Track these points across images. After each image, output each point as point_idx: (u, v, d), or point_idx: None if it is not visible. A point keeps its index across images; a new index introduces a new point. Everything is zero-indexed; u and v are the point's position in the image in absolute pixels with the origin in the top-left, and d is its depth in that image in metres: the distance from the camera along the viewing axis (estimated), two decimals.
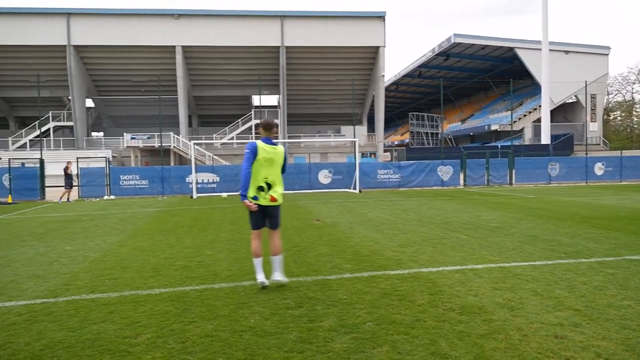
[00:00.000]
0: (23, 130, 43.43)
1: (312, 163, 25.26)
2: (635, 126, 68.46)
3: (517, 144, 47.91)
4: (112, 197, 21.62)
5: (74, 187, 20.98)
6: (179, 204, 17.54)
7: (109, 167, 22.59)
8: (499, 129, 52.94)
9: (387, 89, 68.33)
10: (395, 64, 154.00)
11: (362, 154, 44.34)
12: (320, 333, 3.87)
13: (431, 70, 62.25)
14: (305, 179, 23.48)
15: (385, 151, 50.75)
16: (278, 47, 41.77)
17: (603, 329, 3.84)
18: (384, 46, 42.57)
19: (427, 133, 53.10)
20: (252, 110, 44.59)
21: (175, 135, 39.17)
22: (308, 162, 25.76)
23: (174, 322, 4.24)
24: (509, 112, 52.42)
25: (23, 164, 28.75)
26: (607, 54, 53.48)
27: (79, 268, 6.61)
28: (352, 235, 8.84)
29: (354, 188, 22.32)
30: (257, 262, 5.24)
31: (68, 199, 20.29)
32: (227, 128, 45.18)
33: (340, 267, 6.23)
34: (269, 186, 5.11)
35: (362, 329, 3.95)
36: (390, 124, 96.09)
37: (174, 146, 38.23)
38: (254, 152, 5.02)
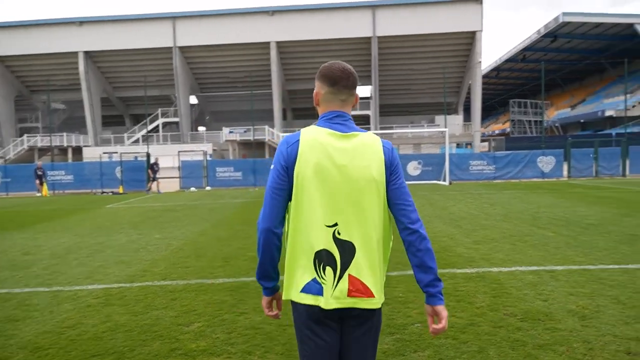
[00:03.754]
0: (136, 127, 47.61)
1: (401, 154, 24.79)
2: None
3: (635, 131, 43.16)
4: (209, 188, 22.94)
5: (161, 179, 22.46)
6: None
7: (206, 160, 24.01)
8: (614, 115, 48.02)
9: (486, 76, 64.91)
10: (495, 50, 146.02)
11: (458, 144, 42.70)
12: None
13: (537, 54, 57.92)
14: None
15: (483, 141, 48.39)
16: (370, 38, 41.40)
17: None
18: (481, 31, 40.40)
19: (529, 121, 49.70)
20: None
21: (270, 129, 40.53)
22: (397, 154, 25.32)
23: (226, 312, 4.37)
24: (628, 96, 47.41)
25: (136, 157, 31.53)
26: None
27: (160, 255, 7.08)
28: (427, 230, 8.51)
29: (444, 180, 21.54)
30: None
31: (149, 189, 22.14)
32: None
33: (405, 264, 6.00)
34: (346, 249, 1.75)
35: (408, 330, 3.79)
36: (491, 112, 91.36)
37: (268, 139, 39.60)
38: (285, 157, 1.79)
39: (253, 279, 5.48)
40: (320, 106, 1.91)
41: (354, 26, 41.14)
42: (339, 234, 1.75)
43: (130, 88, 48.04)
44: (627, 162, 23.50)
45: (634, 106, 47.89)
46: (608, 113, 48.82)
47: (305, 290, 1.77)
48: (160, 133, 46.21)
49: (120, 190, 22.40)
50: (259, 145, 39.36)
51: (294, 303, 1.81)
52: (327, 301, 1.74)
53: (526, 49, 57.09)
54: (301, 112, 52.96)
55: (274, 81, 42.97)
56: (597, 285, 4.83)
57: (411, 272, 5.45)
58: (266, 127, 40.21)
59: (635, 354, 3.23)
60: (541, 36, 52.14)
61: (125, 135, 46.29)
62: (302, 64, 44.96)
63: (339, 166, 1.75)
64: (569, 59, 59.81)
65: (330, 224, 1.75)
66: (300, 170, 1.75)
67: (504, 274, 5.39)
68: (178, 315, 4.34)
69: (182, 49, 43.23)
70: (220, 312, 4.36)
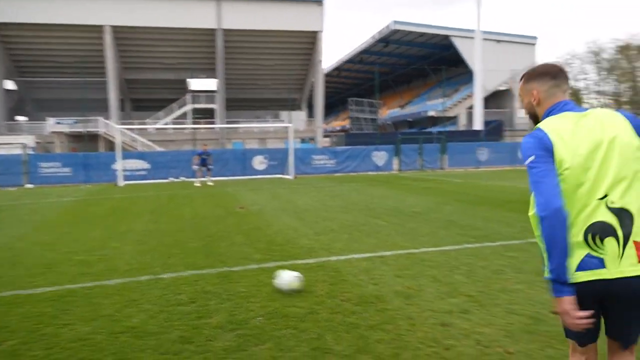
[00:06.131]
0: None
1: (247, 149, 24.83)
2: None
3: (452, 129, 49.40)
4: (31, 185, 20.25)
5: None
6: (102, 192, 16.65)
7: (27, 154, 21.14)
8: (435, 115, 54.31)
9: (328, 75, 68.19)
10: (338, 50, 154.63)
11: (302, 139, 44.19)
12: (205, 331, 3.66)
13: (372, 57, 62.69)
14: (239, 165, 23.02)
15: (325, 136, 50.82)
16: (214, 30, 40.49)
17: (490, 314, 3.87)
18: (322, 31, 42.29)
19: (366, 119, 53.64)
20: (188, 94, 43.18)
21: (105, 120, 37.28)
22: (243, 148, 25.27)
23: (47, 325, 3.88)
24: (445, 99, 53.89)
25: None
26: (534, 44, 55.90)
27: None
28: (273, 224, 8.65)
29: (289, 174, 22.13)
30: None
31: None
32: (161, 112, 43.55)
33: (249, 258, 6.03)
34: (624, 217, 1.79)
35: (250, 324, 3.78)
36: (334, 109, 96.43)
37: (103, 132, 36.40)
38: (541, 145, 1.86)
39: (82, 286, 4.97)
40: (543, 104, 2.00)
41: (198, 16, 39.82)
42: (612, 203, 1.78)
43: None
44: (446, 157, 26.77)
45: (450, 108, 54.73)
46: (430, 113, 55.03)
47: (582, 267, 1.78)
48: None
49: None
50: (92, 138, 35.93)
51: (572, 277, 1.79)
52: (615, 271, 1.75)
53: (363, 51, 61.42)
54: (141, 103, 49.69)
55: (109, 69, 39.54)
56: (420, 267, 5.39)
57: (254, 266, 5.48)
58: (100, 118, 36.84)
59: (448, 325, 3.66)
60: (376, 41, 56.59)
61: None
62: (141, 52, 42.17)
63: (597, 140, 1.82)
64: (398, 63, 66.05)
65: (601, 196, 1.78)
66: (561, 152, 1.82)
67: (342, 262, 5.71)
68: None
69: None
70: (40, 326, 3.85)
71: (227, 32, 40.87)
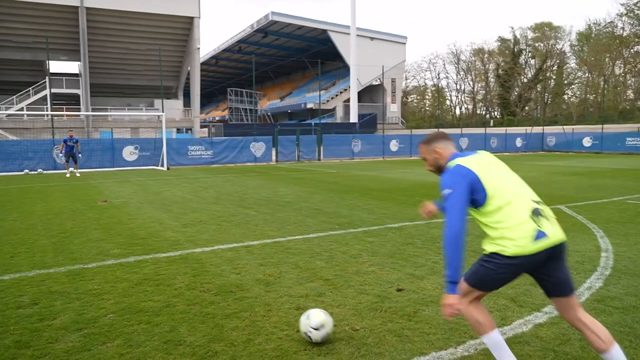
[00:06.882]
0: None
1: (116, 138, 23.22)
2: (427, 108, 78.76)
3: (329, 121, 51.04)
4: None
5: None
6: None
7: None
8: (314, 107, 55.71)
9: (206, 63, 66.38)
10: (217, 38, 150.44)
11: (178, 129, 42.56)
12: (46, 333, 3.40)
13: (251, 47, 62.25)
14: (107, 156, 21.47)
15: (203, 127, 49.49)
16: (77, 7, 37.08)
17: (342, 296, 4.11)
18: (199, 17, 40.93)
19: (245, 109, 53.26)
20: (47, 77, 39.07)
21: None
22: (111, 138, 23.57)
23: None
24: (323, 92, 55.47)
25: None
26: (404, 43, 59.87)
27: None
28: (136, 217, 8.24)
29: (162, 165, 21.19)
30: (499, 339, 2.59)
31: None
32: (15, 97, 38.89)
33: (106, 253, 5.69)
34: (543, 206, 2.57)
35: (99, 322, 3.58)
36: (212, 99, 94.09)
37: None
38: (463, 178, 2.49)
39: None
40: (443, 157, 2.70)
41: None
42: (533, 199, 2.52)
43: None
44: (322, 148, 27.61)
45: (328, 101, 56.49)
46: (309, 105, 56.36)
47: (538, 237, 2.38)
48: None
49: None
50: None
51: (515, 257, 2.39)
52: (556, 239, 2.43)
53: (241, 41, 60.75)
54: None
55: None
56: (284, 254, 5.53)
57: (112, 261, 5.21)
58: None
59: (302, 308, 3.82)
60: (254, 31, 56.29)
61: None
62: None
63: (493, 161, 2.67)
64: (278, 54, 66.40)
65: (524, 195, 2.53)
66: (484, 177, 2.50)
67: (206, 253, 5.65)
68: None
69: None
70: None
71: (91, 11, 37.74)
